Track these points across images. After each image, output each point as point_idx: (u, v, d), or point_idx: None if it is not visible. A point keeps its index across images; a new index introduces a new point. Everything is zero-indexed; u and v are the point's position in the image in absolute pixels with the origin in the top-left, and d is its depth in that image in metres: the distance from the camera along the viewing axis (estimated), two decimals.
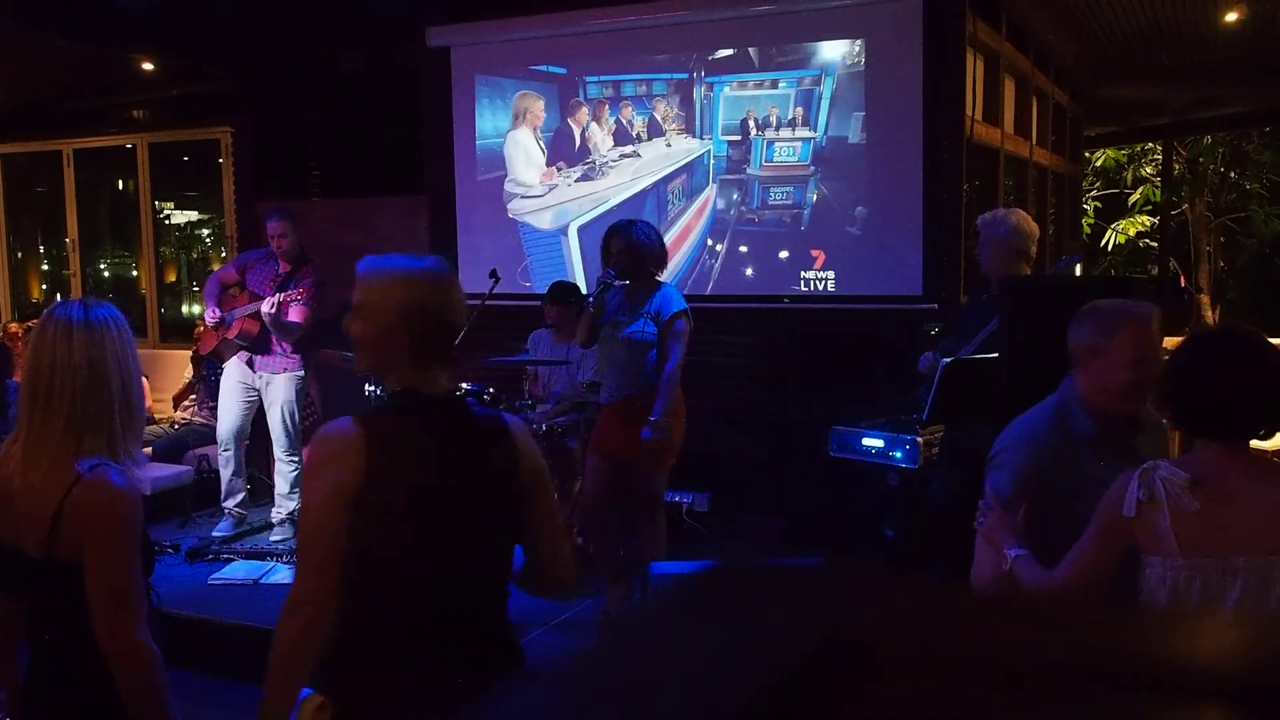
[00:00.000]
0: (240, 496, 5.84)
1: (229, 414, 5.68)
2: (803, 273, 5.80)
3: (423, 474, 1.91)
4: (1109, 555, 2.09)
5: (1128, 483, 2.04)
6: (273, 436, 5.68)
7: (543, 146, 6.43)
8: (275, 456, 5.78)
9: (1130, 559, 2.06)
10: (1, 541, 2.09)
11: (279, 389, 5.61)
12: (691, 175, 6.04)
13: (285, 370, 5.63)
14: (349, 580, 1.87)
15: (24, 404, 2.08)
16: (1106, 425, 2.35)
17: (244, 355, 5.63)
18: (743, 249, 5.96)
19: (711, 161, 6.00)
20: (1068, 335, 2.39)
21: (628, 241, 4.34)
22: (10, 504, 2.06)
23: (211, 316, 5.61)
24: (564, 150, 6.38)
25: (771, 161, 5.84)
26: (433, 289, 1.98)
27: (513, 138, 6.50)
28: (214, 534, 5.80)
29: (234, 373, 5.68)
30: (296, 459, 5.72)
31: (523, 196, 6.51)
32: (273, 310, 5.38)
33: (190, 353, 6.68)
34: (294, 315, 5.51)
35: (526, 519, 2.01)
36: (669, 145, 6.09)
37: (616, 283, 4.36)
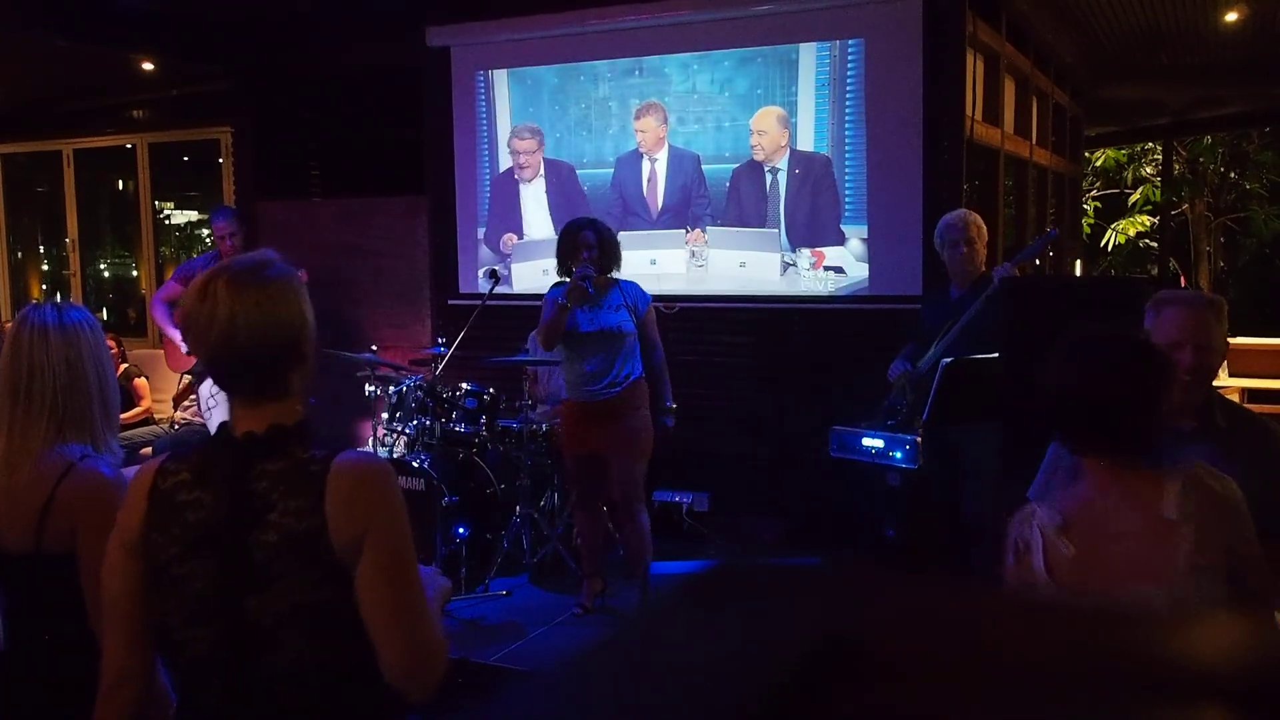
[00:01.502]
0: None
1: (221, 417, 5.67)
2: (803, 273, 5.80)
3: (191, 535, 1.58)
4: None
5: (1011, 531, 2.01)
6: None
7: (538, 138, 6.43)
8: None
9: None
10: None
11: None
12: (692, 175, 6.04)
13: None
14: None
15: (3, 407, 2.11)
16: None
17: None
18: (743, 249, 5.95)
19: (713, 161, 6.00)
20: None
21: (599, 236, 4.40)
22: None
23: None
24: (567, 152, 6.38)
25: (772, 162, 5.84)
26: (211, 302, 1.59)
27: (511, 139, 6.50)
28: None
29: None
30: None
31: (528, 197, 6.51)
32: None
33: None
34: None
35: (357, 589, 1.57)
36: (670, 146, 6.09)
37: (589, 278, 4.38)
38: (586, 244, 4.34)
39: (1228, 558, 1.89)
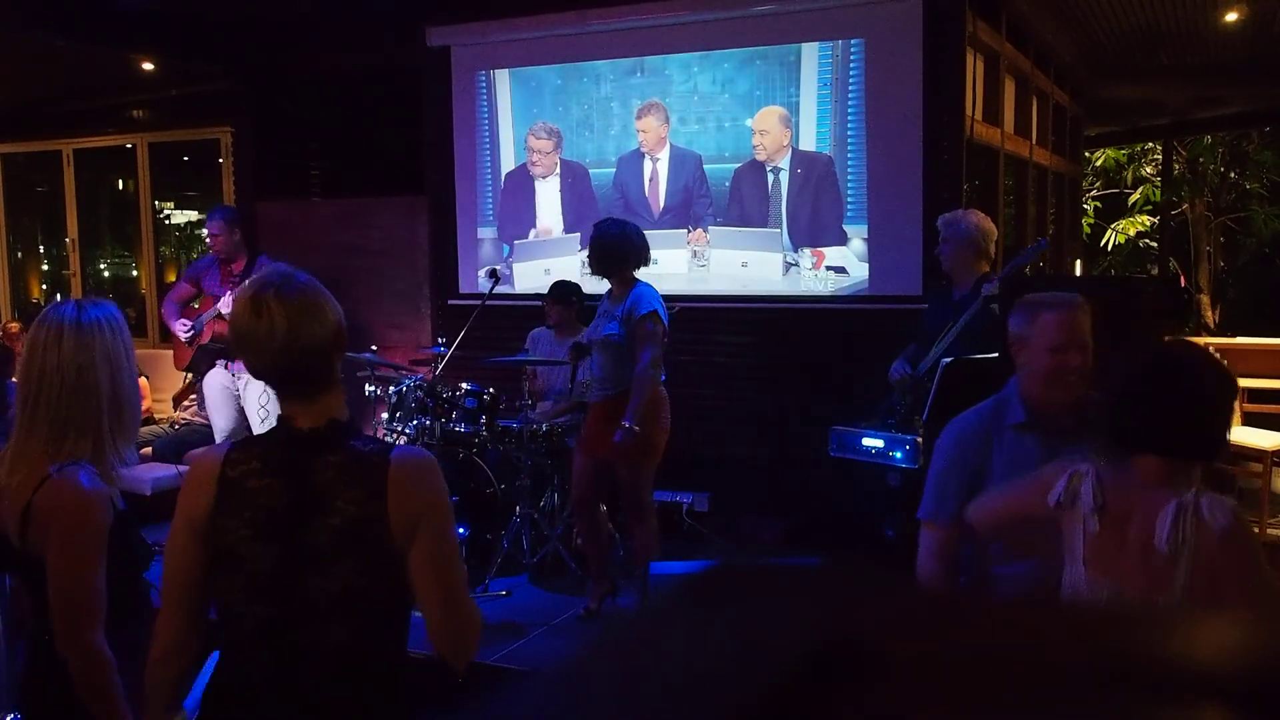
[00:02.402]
0: None
1: (222, 417, 5.75)
2: (804, 273, 5.80)
3: (258, 520, 1.74)
4: (1012, 513, 2.14)
5: (1060, 473, 2.03)
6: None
7: (555, 138, 6.43)
8: None
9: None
10: (4, 533, 2.16)
11: (256, 388, 5.64)
12: (694, 175, 6.04)
13: None
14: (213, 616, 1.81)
15: (17, 407, 2.14)
16: (1040, 415, 2.45)
17: (222, 360, 5.70)
18: (744, 249, 5.95)
19: (714, 161, 6.00)
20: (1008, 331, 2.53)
21: (594, 238, 4.41)
22: (2, 501, 2.13)
23: (184, 330, 5.68)
24: (569, 151, 6.38)
25: (774, 162, 5.84)
26: (268, 317, 1.74)
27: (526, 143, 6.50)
28: None
29: (216, 379, 5.75)
30: None
31: (541, 195, 6.51)
32: (231, 307, 5.51)
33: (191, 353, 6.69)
34: None
35: (401, 577, 1.76)
36: (672, 145, 6.09)
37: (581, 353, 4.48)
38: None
39: (1225, 588, 1.86)
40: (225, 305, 5.56)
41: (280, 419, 1.81)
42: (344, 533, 1.73)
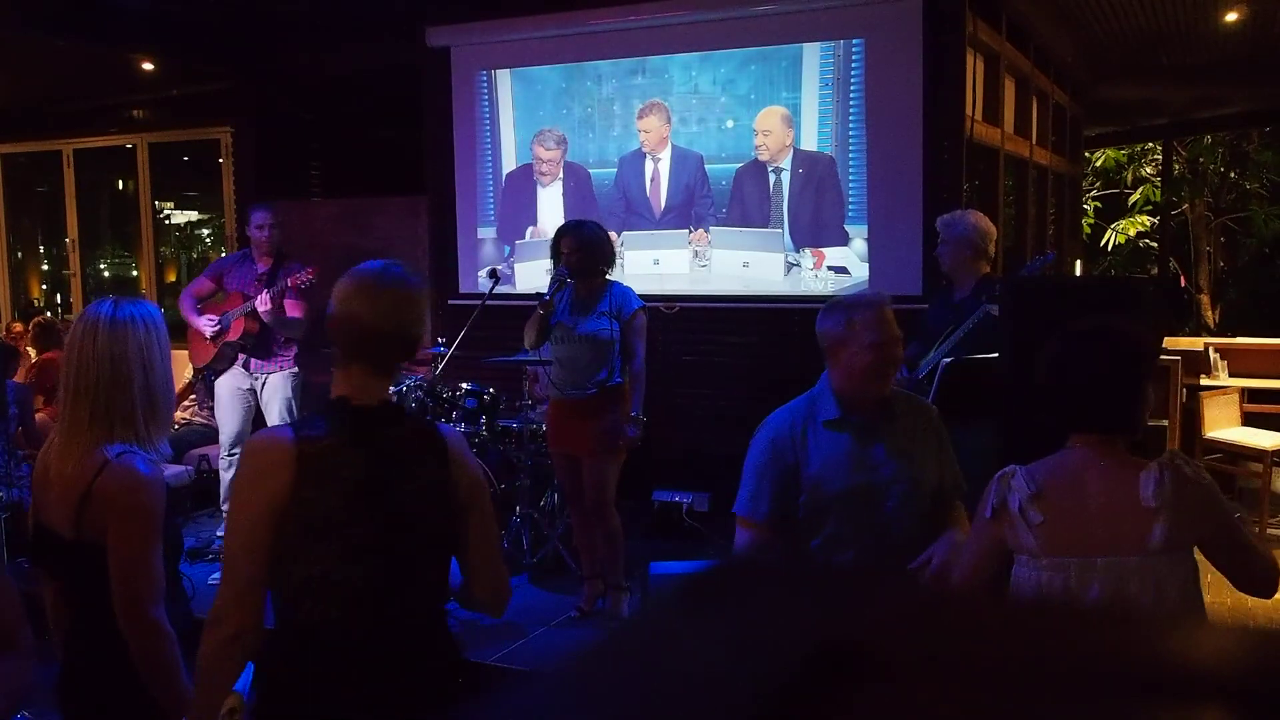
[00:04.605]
0: None
1: (230, 421, 5.69)
2: (804, 273, 5.80)
3: (348, 490, 1.85)
4: (984, 553, 2.20)
5: (990, 486, 2.15)
6: None
7: (563, 147, 6.43)
8: None
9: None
10: (41, 523, 2.23)
11: (275, 388, 5.65)
12: (696, 175, 6.04)
13: (281, 369, 5.67)
14: (275, 593, 1.87)
15: (62, 399, 2.24)
16: (853, 409, 2.55)
17: (241, 358, 5.66)
18: (745, 249, 5.95)
19: (715, 161, 6.00)
20: (816, 332, 2.60)
21: (579, 240, 4.39)
22: (48, 490, 2.21)
23: (209, 326, 5.59)
24: (570, 152, 6.38)
25: (773, 162, 5.84)
26: (365, 295, 1.93)
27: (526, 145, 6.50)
28: (218, 534, 5.83)
29: (228, 379, 5.69)
30: None
31: (544, 197, 6.51)
32: (268, 305, 5.45)
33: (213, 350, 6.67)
34: (292, 310, 5.56)
35: (461, 536, 1.96)
36: (673, 146, 6.09)
37: (569, 281, 4.41)
38: (566, 248, 4.40)
39: (1202, 536, 2.05)
40: (262, 304, 5.47)
41: (339, 399, 1.92)
42: (424, 495, 1.91)
